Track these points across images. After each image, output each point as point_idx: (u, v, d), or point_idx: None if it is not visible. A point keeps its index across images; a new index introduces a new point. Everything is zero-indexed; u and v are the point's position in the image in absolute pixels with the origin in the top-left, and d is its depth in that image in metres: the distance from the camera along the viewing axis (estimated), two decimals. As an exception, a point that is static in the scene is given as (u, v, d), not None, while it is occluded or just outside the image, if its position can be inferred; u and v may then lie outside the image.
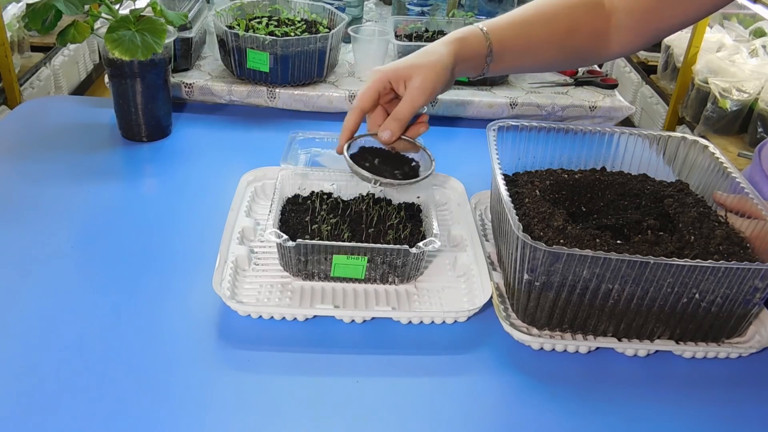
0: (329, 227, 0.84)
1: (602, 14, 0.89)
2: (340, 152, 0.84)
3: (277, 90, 1.30)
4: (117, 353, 0.72)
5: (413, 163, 0.88)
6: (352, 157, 0.84)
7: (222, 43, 1.30)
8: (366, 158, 0.86)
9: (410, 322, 0.79)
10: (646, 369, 0.76)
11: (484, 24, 0.86)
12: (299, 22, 1.36)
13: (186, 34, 1.31)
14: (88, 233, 0.92)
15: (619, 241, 0.75)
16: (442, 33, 1.46)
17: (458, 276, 0.87)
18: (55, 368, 0.70)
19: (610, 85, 1.44)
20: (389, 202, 0.93)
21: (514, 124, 0.92)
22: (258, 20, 1.32)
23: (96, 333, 0.75)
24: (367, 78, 0.83)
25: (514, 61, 0.89)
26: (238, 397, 0.69)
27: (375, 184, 0.82)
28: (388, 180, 0.82)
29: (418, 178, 0.85)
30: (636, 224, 0.84)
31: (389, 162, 0.86)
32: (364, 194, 0.93)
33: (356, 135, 0.85)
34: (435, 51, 0.82)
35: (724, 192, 0.85)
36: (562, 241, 0.74)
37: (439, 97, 1.31)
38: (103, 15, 1.05)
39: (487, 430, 0.68)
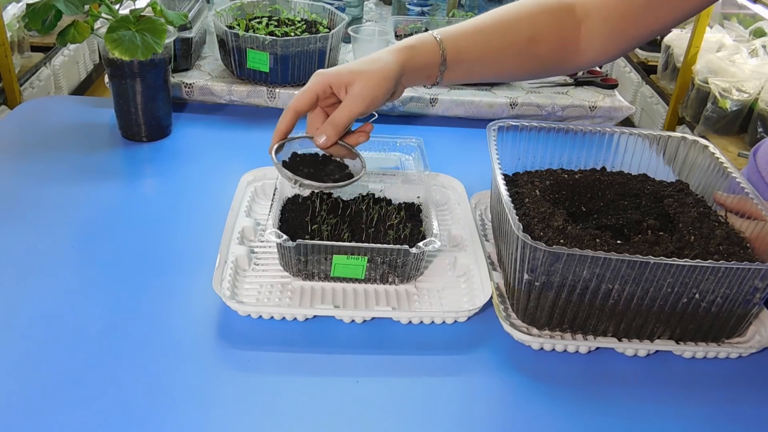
0: (329, 227, 0.84)
1: (572, 22, 0.85)
2: (270, 153, 0.80)
3: (277, 90, 1.30)
4: (117, 353, 0.72)
5: (348, 170, 0.84)
6: (291, 160, 0.81)
7: (222, 43, 1.30)
8: (302, 162, 0.83)
9: (410, 322, 0.79)
10: (646, 369, 0.76)
11: (439, 32, 0.82)
12: (299, 22, 1.36)
13: (186, 34, 1.31)
14: (88, 233, 0.92)
15: (619, 241, 0.75)
16: (442, 33, 1.46)
17: (458, 276, 0.87)
18: (55, 368, 0.70)
19: (610, 85, 1.44)
20: (389, 202, 0.93)
21: (514, 124, 0.92)
22: (258, 20, 1.32)
23: (96, 333, 0.75)
24: (310, 79, 0.79)
25: (471, 71, 0.85)
26: (239, 397, 0.69)
27: (295, 184, 0.79)
28: (308, 182, 0.78)
29: (339, 183, 0.80)
30: (636, 224, 0.84)
31: (326, 166, 0.83)
32: (364, 194, 0.93)
33: (291, 136, 0.82)
34: (381, 59, 0.79)
35: (724, 192, 0.85)
36: (562, 241, 0.74)
37: (439, 97, 1.32)
38: (103, 15, 1.05)
39: (487, 430, 0.68)
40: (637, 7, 0.82)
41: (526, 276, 0.73)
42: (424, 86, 0.87)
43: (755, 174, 0.98)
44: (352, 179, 0.82)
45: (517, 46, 0.84)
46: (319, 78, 0.79)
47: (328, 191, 0.81)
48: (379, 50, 0.82)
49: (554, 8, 0.85)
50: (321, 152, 0.84)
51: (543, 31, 0.85)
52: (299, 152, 0.84)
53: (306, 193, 0.93)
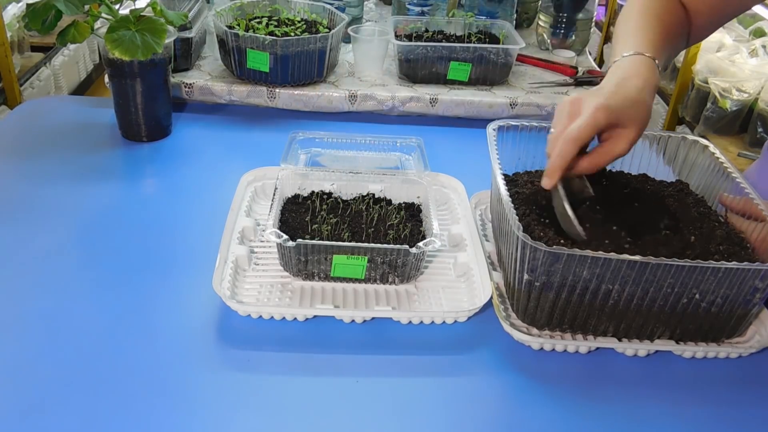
0: (329, 227, 0.84)
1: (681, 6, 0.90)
2: (549, 187, 0.74)
3: (277, 90, 1.30)
4: (117, 353, 0.72)
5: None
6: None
7: (222, 43, 1.30)
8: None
9: (410, 322, 0.79)
10: (646, 369, 0.76)
11: (647, 50, 0.81)
12: (299, 22, 1.36)
13: (186, 34, 1.31)
14: (88, 233, 0.92)
15: (628, 238, 0.75)
16: (441, 33, 1.46)
17: (458, 276, 0.87)
18: (54, 368, 0.70)
19: (610, 85, 1.43)
20: (389, 202, 0.93)
21: (514, 124, 0.92)
22: (258, 20, 1.32)
23: (96, 333, 0.75)
24: (592, 109, 0.73)
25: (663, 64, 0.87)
26: (238, 397, 0.68)
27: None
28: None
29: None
30: (640, 225, 0.83)
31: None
32: (364, 194, 0.93)
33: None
34: (646, 88, 0.76)
35: (725, 192, 0.85)
36: (562, 241, 0.74)
37: (439, 97, 1.32)
38: (103, 15, 1.05)
39: (487, 430, 0.68)
40: None
41: (526, 276, 0.73)
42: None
43: (767, 170, 0.97)
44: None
45: (674, 33, 0.88)
46: (605, 113, 0.73)
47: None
48: (640, 72, 0.78)
49: None
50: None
51: (678, 16, 0.89)
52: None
53: (306, 192, 0.93)
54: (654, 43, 0.83)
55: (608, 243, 0.73)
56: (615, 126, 0.74)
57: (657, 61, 0.80)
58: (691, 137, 0.94)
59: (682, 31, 0.90)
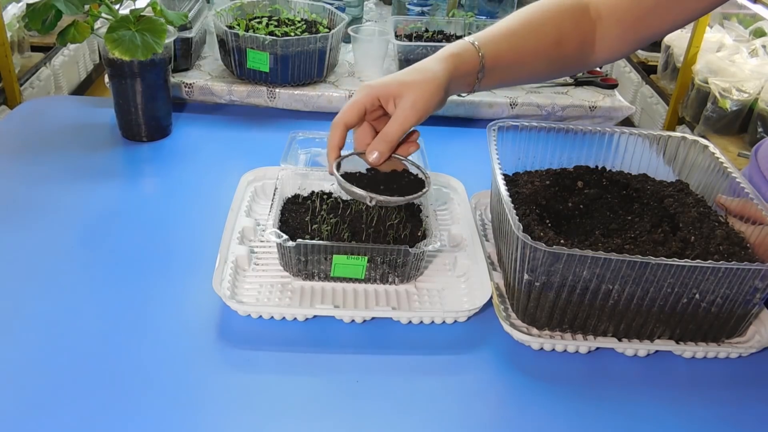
0: (329, 227, 0.84)
1: (588, 22, 0.86)
2: (332, 172, 0.79)
3: (277, 90, 1.30)
4: (116, 353, 0.72)
5: (408, 178, 0.82)
6: (344, 174, 0.80)
7: (222, 43, 1.30)
8: (358, 173, 0.82)
9: (410, 322, 0.79)
10: (646, 369, 0.76)
11: (475, 38, 0.82)
12: (299, 22, 1.36)
13: (186, 34, 1.31)
14: (87, 233, 0.92)
15: (630, 237, 0.75)
16: (442, 33, 1.47)
17: (458, 276, 0.87)
18: (54, 368, 0.70)
19: (610, 85, 1.44)
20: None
21: (514, 124, 0.92)
22: (258, 20, 1.32)
23: (95, 333, 0.75)
24: (356, 92, 0.78)
25: (504, 76, 0.85)
26: (238, 397, 0.69)
27: (371, 202, 0.77)
28: (384, 197, 0.77)
29: (414, 195, 0.79)
30: (640, 227, 0.83)
31: (385, 177, 0.82)
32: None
33: (343, 153, 0.81)
34: (428, 68, 0.77)
35: (725, 193, 0.85)
36: (562, 241, 0.74)
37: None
38: (103, 15, 1.05)
39: (487, 430, 0.68)
40: (648, 10, 0.83)
41: (526, 276, 0.73)
42: (459, 95, 0.87)
43: (757, 173, 0.97)
44: (424, 191, 0.80)
45: (546, 48, 0.85)
46: (366, 90, 0.77)
47: (394, 204, 0.79)
48: (424, 60, 0.80)
49: (574, 9, 0.86)
50: (366, 167, 0.82)
51: (567, 32, 0.86)
52: (347, 171, 0.82)
53: (306, 192, 0.93)
54: (494, 36, 0.82)
55: (583, 241, 0.74)
56: (387, 106, 0.78)
57: (477, 45, 0.80)
58: (691, 137, 0.94)
59: (562, 38, 0.86)
